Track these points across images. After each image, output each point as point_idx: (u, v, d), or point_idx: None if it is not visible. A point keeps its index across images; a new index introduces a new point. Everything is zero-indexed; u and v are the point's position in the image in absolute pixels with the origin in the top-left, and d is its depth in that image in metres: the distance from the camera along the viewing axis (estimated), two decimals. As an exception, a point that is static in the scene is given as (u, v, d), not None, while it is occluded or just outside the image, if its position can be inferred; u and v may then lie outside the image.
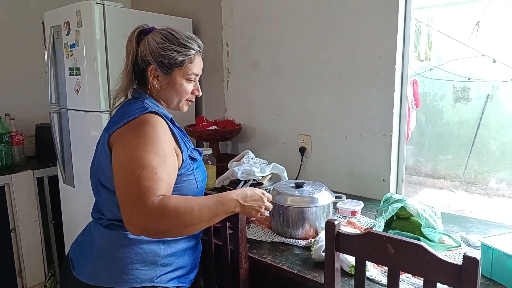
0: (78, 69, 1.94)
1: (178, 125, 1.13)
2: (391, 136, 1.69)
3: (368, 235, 0.88)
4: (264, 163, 1.70)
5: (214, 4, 2.29)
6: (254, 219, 1.39)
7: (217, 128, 2.05)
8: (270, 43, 2.04)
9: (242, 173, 1.53)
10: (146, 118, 1.00)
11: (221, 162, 1.91)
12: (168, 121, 1.05)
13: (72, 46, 1.94)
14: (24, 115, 2.59)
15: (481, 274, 1.05)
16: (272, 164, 1.65)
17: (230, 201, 1.01)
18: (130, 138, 0.96)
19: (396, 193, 1.80)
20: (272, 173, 1.61)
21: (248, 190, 1.08)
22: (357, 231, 1.23)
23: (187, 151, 1.09)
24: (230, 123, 2.20)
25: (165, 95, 1.12)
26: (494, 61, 2.97)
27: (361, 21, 1.71)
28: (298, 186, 1.37)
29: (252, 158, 1.69)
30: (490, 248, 1.03)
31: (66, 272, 1.09)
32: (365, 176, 1.79)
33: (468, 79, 4.28)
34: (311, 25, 1.87)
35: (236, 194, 1.04)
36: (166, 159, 0.96)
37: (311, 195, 1.32)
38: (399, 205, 1.26)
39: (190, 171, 1.08)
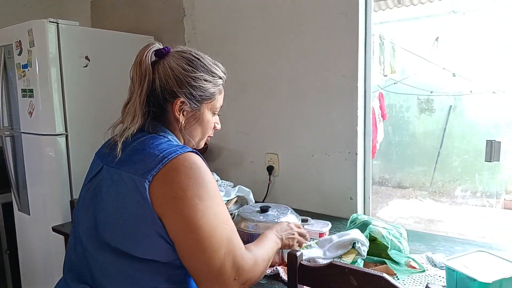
0: (31, 90, 1.84)
1: None
2: (356, 154, 1.68)
3: (331, 267, 0.84)
4: (229, 186, 1.65)
5: (176, 21, 2.25)
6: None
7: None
8: (234, 61, 2.01)
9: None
10: (194, 158, 0.81)
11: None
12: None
13: (25, 66, 1.84)
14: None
15: (446, 297, 1.04)
16: (238, 186, 1.60)
17: (273, 236, 1.03)
18: (193, 188, 0.77)
19: (364, 210, 1.79)
20: (237, 196, 1.56)
21: (274, 225, 1.12)
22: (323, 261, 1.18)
23: None
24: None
25: (189, 133, 0.94)
26: (454, 75, 3.07)
27: (324, 39, 1.71)
28: (263, 210, 1.32)
29: (217, 181, 1.63)
30: (454, 271, 1.01)
31: None
32: (332, 195, 1.78)
33: (431, 92, 4.43)
34: (275, 43, 1.86)
35: (267, 231, 1.06)
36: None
37: (276, 220, 1.28)
38: (366, 232, 1.24)
39: None
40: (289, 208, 1.38)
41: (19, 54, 1.86)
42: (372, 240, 1.26)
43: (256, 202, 1.89)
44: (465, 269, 1.01)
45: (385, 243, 1.19)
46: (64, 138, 1.85)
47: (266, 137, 1.96)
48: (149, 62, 0.87)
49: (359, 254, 1.18)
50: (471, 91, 3.84)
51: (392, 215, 4.34)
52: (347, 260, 1.17)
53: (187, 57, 0.90)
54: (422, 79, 4.48)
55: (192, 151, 0.82)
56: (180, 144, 0.88)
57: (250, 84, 1.97)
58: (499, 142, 1.42)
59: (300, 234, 1.15)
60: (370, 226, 1.25)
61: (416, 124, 4.86)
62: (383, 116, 4.22)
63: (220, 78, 0.95)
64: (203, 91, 0.90)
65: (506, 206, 4.30)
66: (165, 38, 2.30)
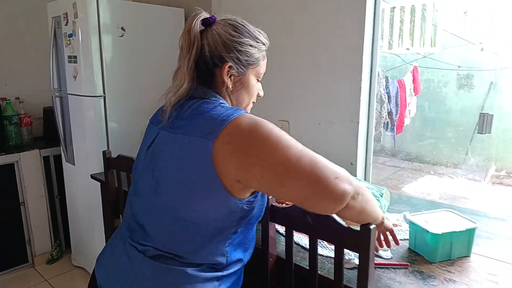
0: (75, 56, 2.11)
1: None
2: (358, 122, 1.80)
3: (293, 208, 1.02)
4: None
5: (204, -6, 2.42)
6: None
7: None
8: (253, 33, 2.15)
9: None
10: (250, 117, 0.83)
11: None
12: None
13: (70, 35, 2.11)
14: (33, 99, 2.80)
15: (408, 247, 1.19)
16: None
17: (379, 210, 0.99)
18: (260, 139, 0.79)
19: (365, 176, 1.92)
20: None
21: None
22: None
23: None
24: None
25: (236, 97, 0.96)
26: (482, 49, 2.98)
27: (333, 12, 1.80)
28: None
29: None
30: (414, 224, 1.15)
31: None
32: (335, 160, 1.90)
33: (469, 68, 4.26)
34: (290, 15, 1.98)
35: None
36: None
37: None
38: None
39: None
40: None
41: (66, 24, 2.13)
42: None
43: None
44: (424, 223, 1.14)
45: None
46: (102, 99, 2.12)
47: (279, 106, 2.12)
48: (198, 30, 0.90)
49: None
50: (506, 67, 3.68)
51: (418, 190, 4.36)
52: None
53: (233, 24, 0.93)
54: (458, 54, 4.32)
55: (247, 113, 0.85)
56: (234, 107, 0.92)
57: (268, 56, 2.11)
58: (492, 115, 1.46)
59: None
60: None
61: (454, 101, 4.72)
62: (416, 90, 4.17)
63: (263, 44, 0.98)
64: (249, 56, 0.93)
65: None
66: (194, 11, 2.47)
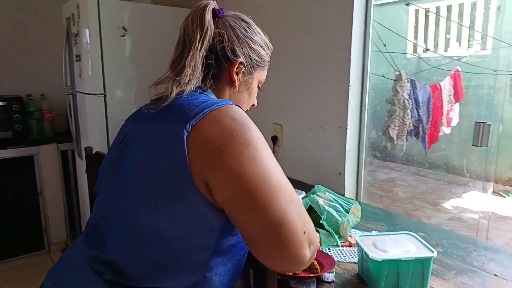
0: (79, 55, 2.19)
1: None
2: (346, 128, 1.65)
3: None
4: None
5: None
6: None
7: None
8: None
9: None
10: (237, 110, 0.70)
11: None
12: None
13: (76, 35, 2.19)
14: (58, 96, 2.97)
15: (357, 273, 1.04)
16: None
17: None
18: (237, 139, 0.64)
19: (357, 188, 1.75)
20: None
21: None
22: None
23: None
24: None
25: (237, 98, 0.86)
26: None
27: (323, 8, 1.67)
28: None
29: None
30: (359, 246, 1.00)
31: None
32: (323, 168, 1.77)
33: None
34: (283, 13, 1.87)
35: None
36: None
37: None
38: (307, 199, 1.26)
39: None
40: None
41: (73, 25, 2.22)
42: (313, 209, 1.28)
43: None
44: (370, 246, 0.99)
45: (318, 212, 1.20)
46: (103, 97, 2.17)
47: (273, 108, 2.02)
48: (211, 17, 0.79)
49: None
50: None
51: (459, 206, 3.95)
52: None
53: (245, 20, 0.86)
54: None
55: (236, 104, 0.72)
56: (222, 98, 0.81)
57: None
58: (489, 125, 1.23)
59: None
60: (312, 195, 1.26)
61: (506, 109, 4.22)
62: (457, 97, 3.78)
63: (269, 48, 0.90)
64: (259, 56, 0.86)
65: None
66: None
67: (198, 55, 0.77)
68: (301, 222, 0.64)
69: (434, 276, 1.02)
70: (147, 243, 0.67)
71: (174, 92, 0.74)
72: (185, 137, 0.65)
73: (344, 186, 1.69)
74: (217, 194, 0.64)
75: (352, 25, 1.55)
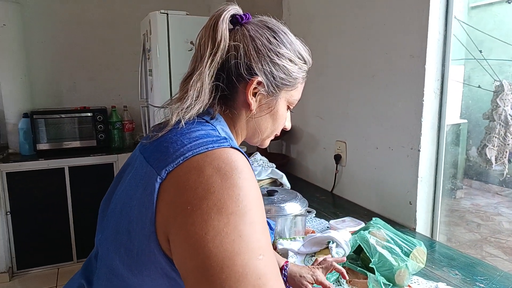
0: (151, 70, 2.28)
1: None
2: (419, 151, 1.39)
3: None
4: (270, 167, 1.64)
5: (276, 3, 2.30)
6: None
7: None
8: (318, 41, 1.93)
9: (237, 174, 1.53)
10: (230, 157, 0.56)
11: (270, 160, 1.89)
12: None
13: (149, 50, 2.29)
14: (138, 107, 3.16)
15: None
16: (271, 169, 1.59)
17: None
18: (213, 197, 0.51)
19: (432, 222, 1.47)
20: (270, 177, 1.56)
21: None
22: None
23: None
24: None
25: (258, 123, 0.72)
26: None
27: (393, 12, 1.45)
28: (269, 194, 1.30)
29: (257, 160, 1.65)
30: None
31: None
32: (391, 196, 1.53)
33: None
34: (350, 22, 1.69)
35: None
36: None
37: (280, 204, 1.25)
38: (355, 236, 1.07)
39: None
40: (298, 194, 1.31)
41: (147, 40, 2.32)
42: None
43: (324, 190, 1.85)
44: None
45: (367, 253, 1.00)
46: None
47: (337, 123, 1.83)
48: (226, 26, 0.68)
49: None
50: None
51: None
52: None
53: (273, 28, 0.71)
54: None
55: (232, 147, 0.58)
56: (227, 136, 0.63)
57: (328, 66, 1.86)
58: None
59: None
60: (363, 231, 1.06)
61: None
62: None
63: (305, 62, 0.75)
64: (286, 73, 0.70)
65: None
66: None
67: (205, 73, 0.65)
68: None
69: None
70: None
71: (173, 121, 0.62)
72: (157, 185, 0.54)
73: (416, 219, 1.43)
74: (174, 259, 0.53)
75: (427, 29, 1.31)
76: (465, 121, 2.04)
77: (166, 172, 0.54)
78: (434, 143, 1.42)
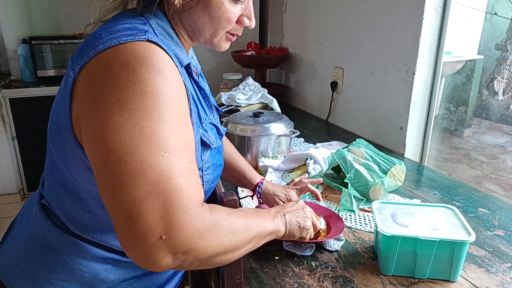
0: None
1: (198, 79, 0.68)
2: (414, 73, 1.33)
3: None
4: (261, 91, 1.60)
5: None
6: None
7: (254, 54, 2.01)
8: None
9: (227, 98, 1.51)
10: (143, 51, 0.51)
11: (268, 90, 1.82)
12: (178, 65, 0.57)
13: None
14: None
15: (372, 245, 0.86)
16: (261, 93, 1.55)
17: (270, 213, 0.68)
18: (118, 92, 0.49)
19: (422, 148, 1.45)
20: (261, 102, 1.53)
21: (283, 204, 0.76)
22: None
23: (200, 128, 0.63)
24: (281, 51, 2.11)
25: (189, 20, 0.62)
26: None
27: None
28: (255, 115, 1.28)
29: (248, 85, 1.61)
30: (374, 216, 0.80)
31: None
32: (384, 121, 1.50)
33: None
34: None
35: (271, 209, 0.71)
36: (189, 129, 0.56)
37: (263, 125, 1.23)
38: (333, 154, 1.06)
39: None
40: (284, 116, 1.29)
41: None
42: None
43: (319, 119, 1.83)
44: (385, 215, 0.79)
45: (343, 169, 1.00)
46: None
47: (336, 49, 1.75)
48: None
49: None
50: None
51: None
52: (293, 175, 1.06)
53: None
54: None
55: (149, 41, 0.53)
56: (154, 32, 0.57)
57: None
58: None
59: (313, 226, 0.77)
60: (342, 149, 1.05)
61: None
62: None
63: None
64: None
65: None
66: None
67: None
68: (162, 225, 0.46)
69: (475, 266, 0.77)
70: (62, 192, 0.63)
71: (93, 18, 0.63)
72: (70, 80, 0.54)
73: (405, 144, 1.41)
74: (85, 151, 0.54)
75: None
76: (481, 57, 1.92)
77: (79, 66, 0.53)
78: (431, 66, 1.35)
